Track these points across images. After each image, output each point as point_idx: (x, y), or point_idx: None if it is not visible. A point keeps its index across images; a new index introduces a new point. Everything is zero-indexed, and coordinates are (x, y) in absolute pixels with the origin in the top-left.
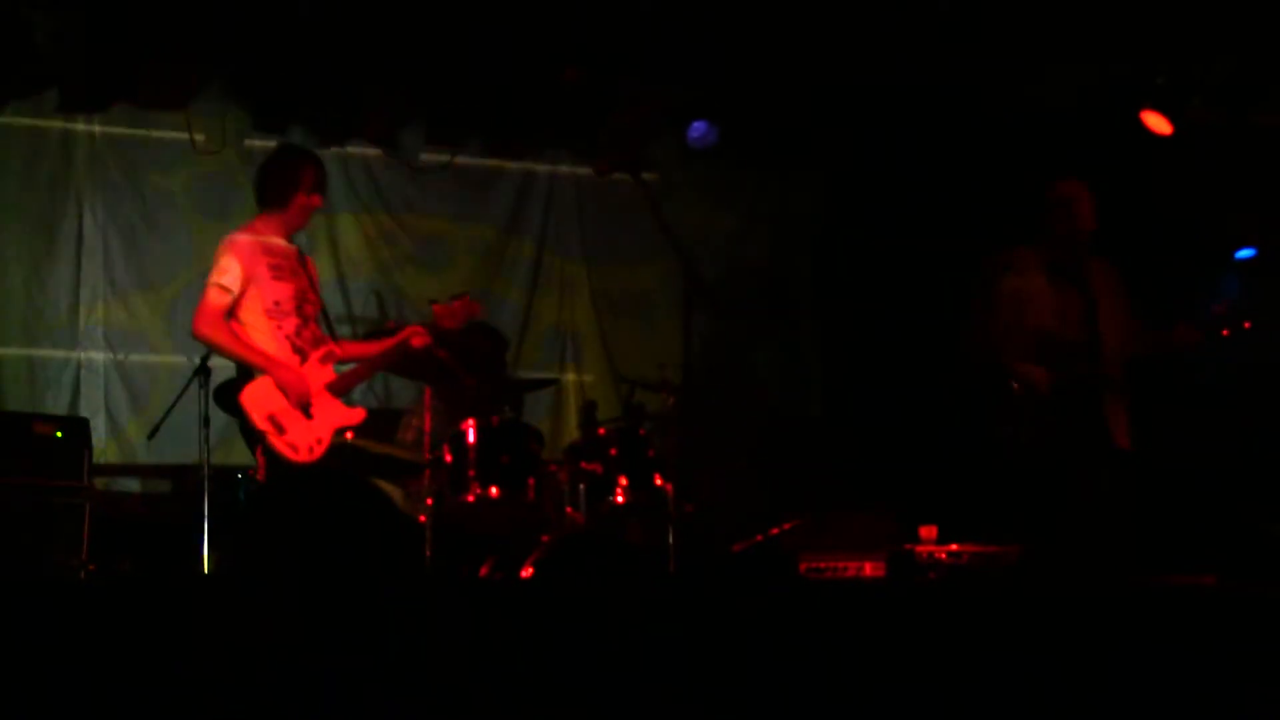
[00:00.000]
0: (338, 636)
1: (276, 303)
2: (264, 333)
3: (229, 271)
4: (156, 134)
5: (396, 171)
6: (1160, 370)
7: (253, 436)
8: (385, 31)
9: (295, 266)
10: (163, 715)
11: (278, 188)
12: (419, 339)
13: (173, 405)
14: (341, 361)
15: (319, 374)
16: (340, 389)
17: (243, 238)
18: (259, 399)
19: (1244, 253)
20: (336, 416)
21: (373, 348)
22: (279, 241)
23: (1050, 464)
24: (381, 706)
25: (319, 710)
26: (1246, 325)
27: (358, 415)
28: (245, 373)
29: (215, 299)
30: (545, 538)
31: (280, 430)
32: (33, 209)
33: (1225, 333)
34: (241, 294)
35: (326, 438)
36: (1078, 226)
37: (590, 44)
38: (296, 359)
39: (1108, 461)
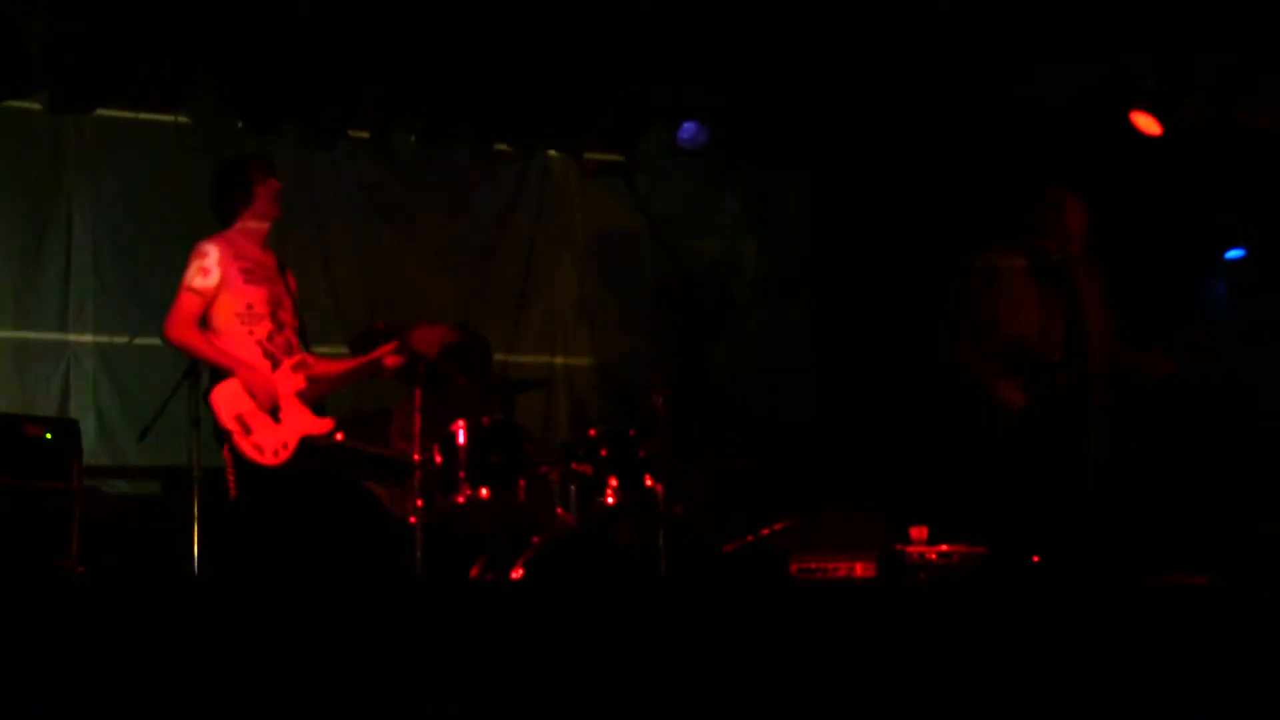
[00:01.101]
0: (327, 638)
1: (249, 306)
2: (236, 337)
3: (200, 275)
4: (147, 135)
5: (388, 171)
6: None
7: (219, 435)
8: (377, 31)
9: (271, 274)
10: (152, 717)
11: (234, 189)
12: (392, 359)
13: (163, 407)
14: (314, 375)
15: (290, 381)
16: (310, 397)
17: (215, 242)
18: (227, 399)
19: (1234, 253)
20: (304, 424)
21: (345, 364)
22: (253, 248)
23: (1026, 470)
24: (371, 708)
25: (309, 712)
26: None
27: (325, 425)
28: (219, 375)
29: (187, 303)
30: (536, 539)
31: (246, 431)
32: (21, 209)
33: (1204, 364)
34: (214, 298)
35: (293, 443)
36: (1066, 235)
37: (582, 43)
38: (268, 364)
39: (1083, 470)
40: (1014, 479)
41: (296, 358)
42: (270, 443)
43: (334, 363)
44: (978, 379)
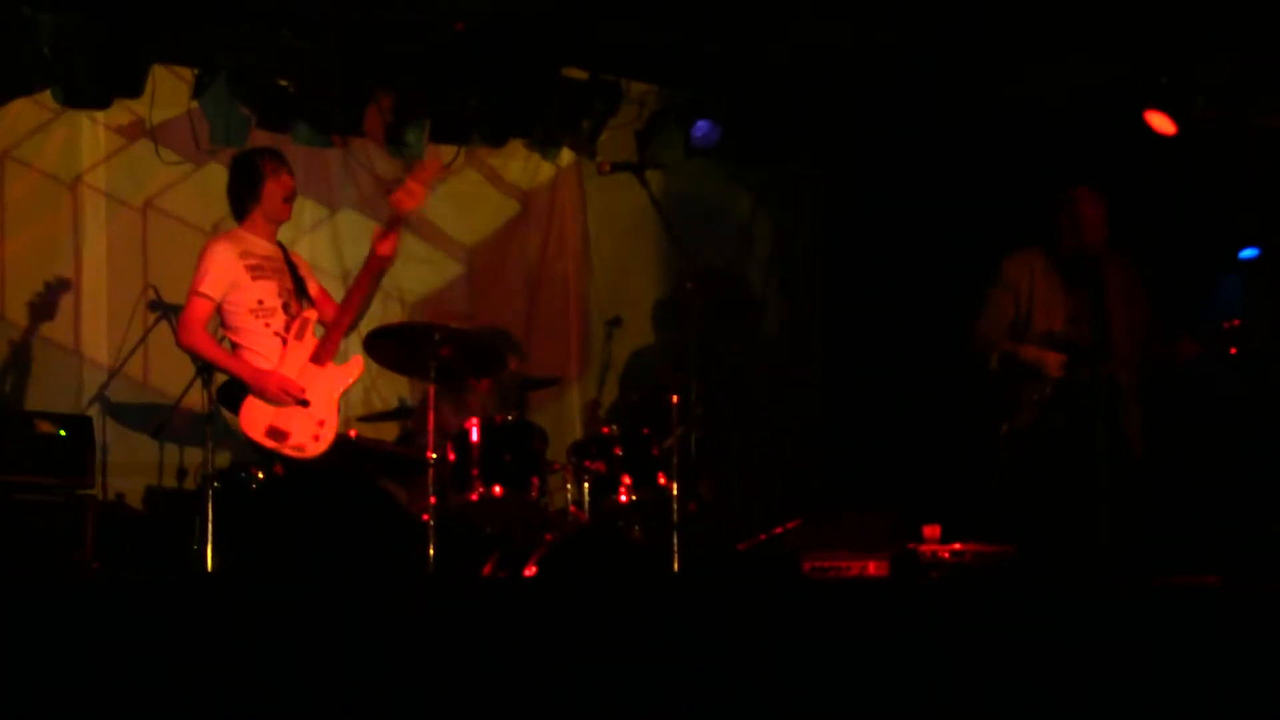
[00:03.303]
0: (341, 635)
1: (260, 301)
2: (254, 333)
3: (207, 278)
4: (160, 131)
5: (400, 169)
6: (1167, 372)
7: (265, 455)
8: (389, 27)
9: (279, 266)
10: (167, 714)
11: (245, 186)
12: (385, 244)
13: (176, 403)
14: (322, 321)
15: (300, 351)
16: (327, 353)
17: (219, 242)
18: (253, 418)
19: (1248, 252)
20: (332, 383)
21: (350, 293)
22: (260, 242)
23: (1052, 463)
24: (385, 705)
25: (322, 710)
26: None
27: (354, 369)
28: (238, 389)
29: (196, 308)
30: (549, 536)
31: (282, 437)
32: (34, 206)
33: (1234, 350)
34: (224, 299)
35: (329, 417)
36: (1085, 234)
37: (595, 41)
38: (283, 348)
39: (1113, 464)
40: (1036, 472)
41: (297, 322)
42: (306, 432)
43: (333, 303)
44: (1020, 356)
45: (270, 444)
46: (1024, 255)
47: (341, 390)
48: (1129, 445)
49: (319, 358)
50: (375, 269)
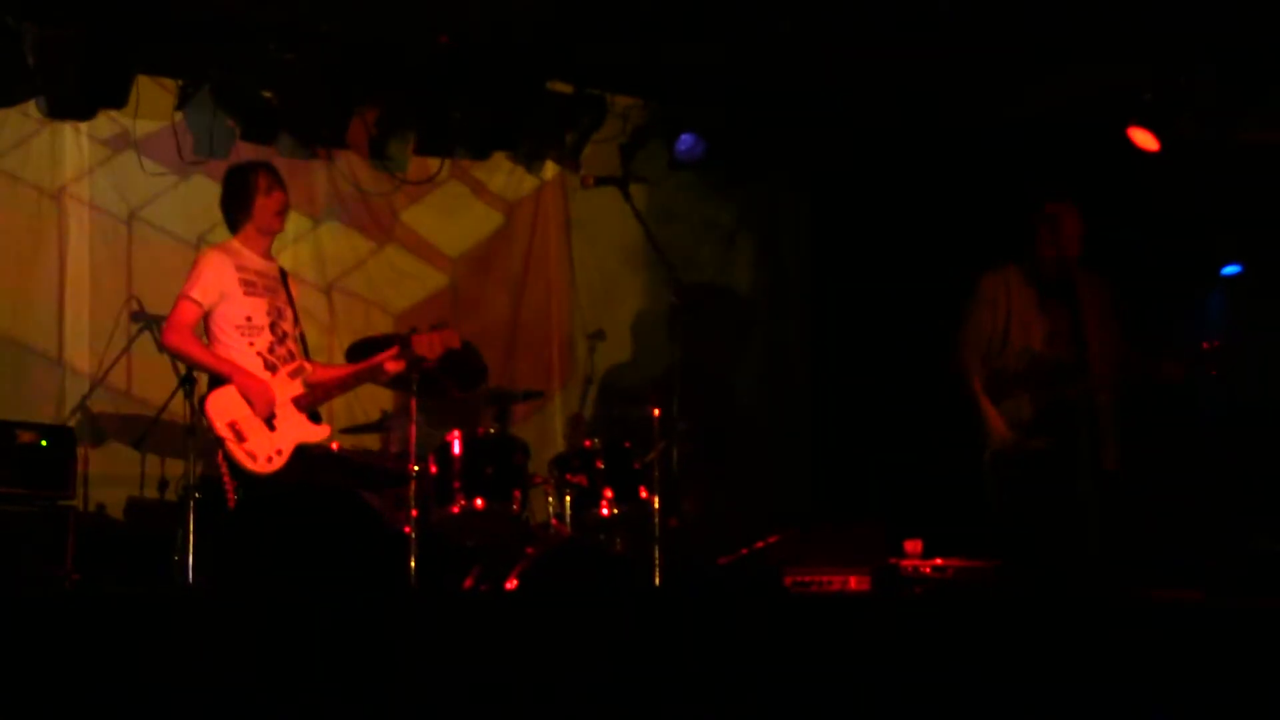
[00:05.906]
0: (321, 648)
1: (248, 318)
2: (236, 348)
3: (198, 285)
4: (144, 142)
5: (384, 181)
6: (1151, 388)
7: (214, 442)
8: (374, 40)
9: (272, 284)
10: None
11: (237, 201)
12: (393, 364)
13: (158, 414)
14: (312, 381)
15: (287, 388)
16: (307, 404)
17: (216, 252)
18: (221, 406)
19: (1230, 269)
20: (300, 431)
21: (345, 370)
22: (256, 258)
23: (1033, 481)
24: (366, 717)
25: None
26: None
27: (322, 432)
28: (216, 383)
29: (184, 311)
30: (530, 550)
31: (240, 438)
32: (17, 217)
33: (1213, 372)
34: (213, 308)
35: (287, 450)
36: (1063, 248)
37: (580, 55)
38: (268, 374)
39: (1091, 481)
40: (1020, 492)
41: (294, 364)
42: (264, 449)
43: (332, 369)
44: (977, 404)
45: (226, 435)
46: (1000, 271)
47: (304, 440)
48: (1107, 462)
49: (300, 404)
50: (370, 377)
